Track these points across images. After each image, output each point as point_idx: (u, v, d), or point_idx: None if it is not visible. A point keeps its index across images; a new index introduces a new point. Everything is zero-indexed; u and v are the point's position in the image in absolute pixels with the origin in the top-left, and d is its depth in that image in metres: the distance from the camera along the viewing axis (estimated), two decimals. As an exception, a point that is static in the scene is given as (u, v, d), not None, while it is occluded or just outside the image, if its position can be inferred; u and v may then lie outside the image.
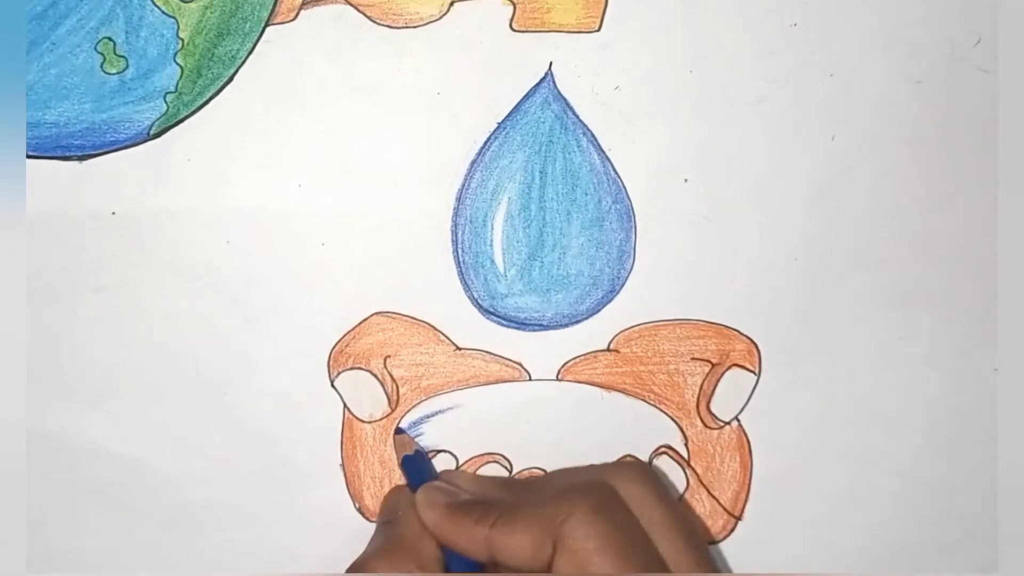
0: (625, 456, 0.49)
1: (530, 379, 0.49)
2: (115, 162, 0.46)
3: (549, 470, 0.49)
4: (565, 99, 0.47)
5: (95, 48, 0.45)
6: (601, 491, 0.42)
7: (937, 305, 0.50)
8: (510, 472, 0.50)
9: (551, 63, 0.47)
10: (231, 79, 0.46)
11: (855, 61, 0.47)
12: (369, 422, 0.49)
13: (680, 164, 0.48)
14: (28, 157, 0.46)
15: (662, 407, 0.50)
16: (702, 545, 0.43)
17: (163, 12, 0.45)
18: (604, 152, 0.47)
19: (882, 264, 0.49)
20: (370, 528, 0.49)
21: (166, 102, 0.46)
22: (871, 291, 0.49)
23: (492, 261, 0.48)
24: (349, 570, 0.44)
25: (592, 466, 0.47)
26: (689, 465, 0.50)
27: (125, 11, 0.45)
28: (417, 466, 0.47)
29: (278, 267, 0.48)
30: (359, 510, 0.50)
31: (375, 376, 0.49)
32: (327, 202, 0.47)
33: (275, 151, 0.47)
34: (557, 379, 0.49)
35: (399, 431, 0.49)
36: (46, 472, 0.48)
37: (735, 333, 0.49)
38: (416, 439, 0.49)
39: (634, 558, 0.40)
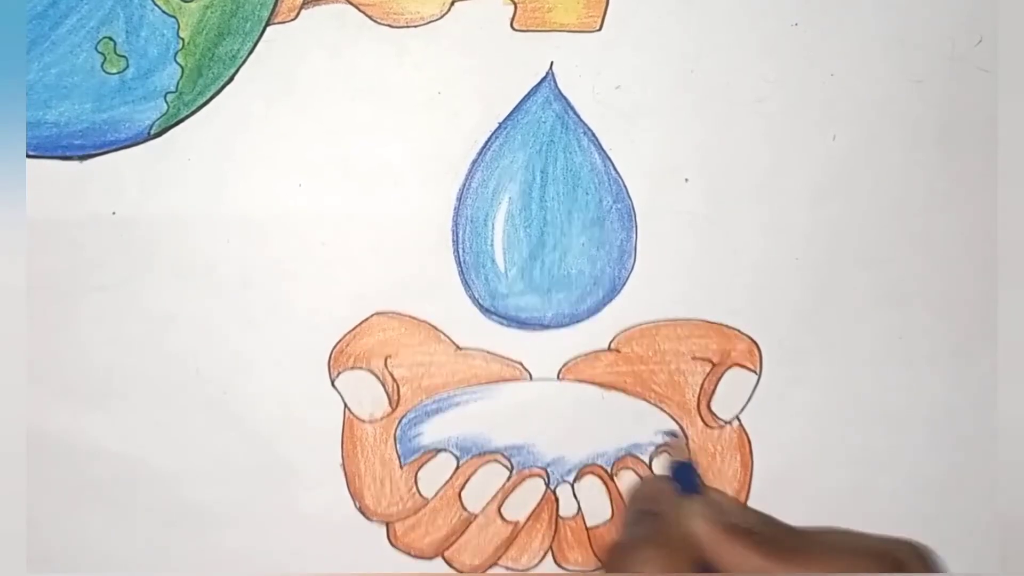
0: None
1: (531, 379, 0.49)
2: (115, 162, 0.46)
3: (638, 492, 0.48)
4: (566, 99, 0.47)
5: (95, 48, 0.45)
6: (893, 563, 0.42)
7: (937, 304, 0.50)
8: (510, 472, 0.50)
9: (552, 63, 0.47)
10: (232, 79, 0.46)
11: (856, 61, 0.47)
12: (370, 422, 0.49)
13: (681, 164, 0.48)
14: (28, 157, 0.45)
15: (663, 406, 0.50)
16: None
17: (163, 11, 0.45)
18: (605, 152, 0.47)
19: (882, 263, 0.49)
20: (371, 528, 0.49)
21: (166, 102, 0.46)
22: (871, 290, 0.49)
23: (493, 261, 0.48)
24: (610, 551, 0.43)
25: (864, 534, 0.47)
26: (690, 465, 0.50)
27: (125, 10, 0.45)
28: (688, 474, 0.46)
29: (278, 267, 0.47)
30: (359, 510, 0.49)
31: (376, 376, 0.49)
32: (327, 202, 0.47)
33: (275, 151, 0.47)
34: (558, 379, 0.49)
35: (673, 434, 0.49)
36: (46, 472, 0.48)
37: (736, 333, 0.49)
38: (417, 437, 0.49)
39: None
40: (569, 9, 0.46)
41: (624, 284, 0.48)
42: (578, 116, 0.47)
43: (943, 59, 0.48)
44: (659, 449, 0.50)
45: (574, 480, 0.50)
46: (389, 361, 0.49)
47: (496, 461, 0.50)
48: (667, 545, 0.42)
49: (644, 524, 0.43)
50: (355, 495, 0.49)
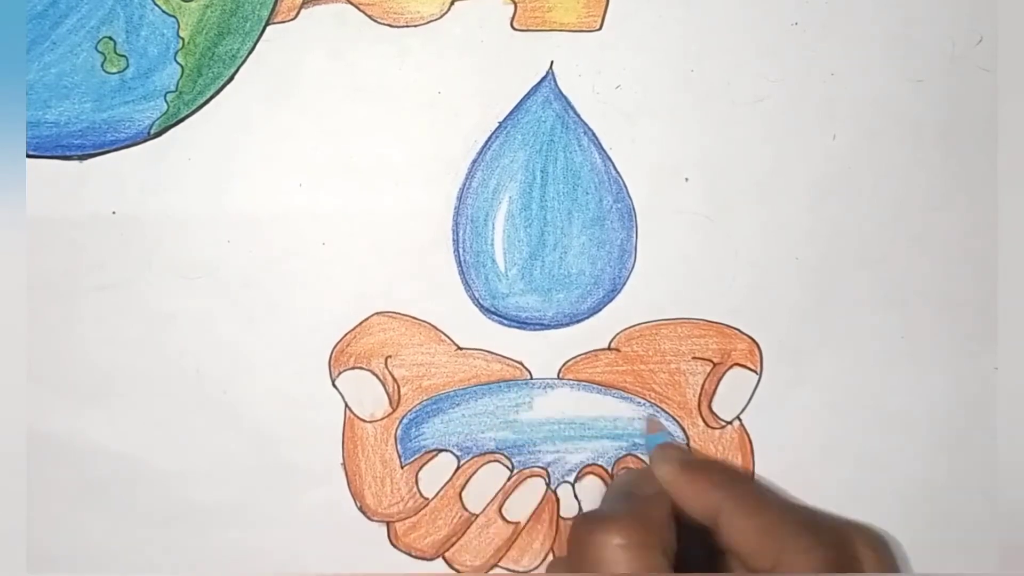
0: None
1: (531, 378, 0.49)
2: (115, 162, 0.46)
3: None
4: (566, 98, 0.47)
5: (95, 47, 0.45)
6: (846, 546, 0.42)
7: (938, 304, 0.50)
8: (511, 472, 0.50)
9: (552, 62, 0.47)
10: (232, 78, 0.46)
11: (856, 60, 0.47)
12: (370, 422, 0.49)
13: (681, 163, 0.48)
14: (28, 157, 0.46)
15: (663, 407, 0.50)
16: None
17: (163, 11, 0.45)
18: (605, 151, 0.47)
19: (883, 263, 0.49)
20: (371, 528, 0.49)
21: (166, 101, 0.46)
22: (872, 290, 0.49)
23: (493, 260, 0.48)
24: (578, 521, 0.45)
25: (832, 515, 0.48)
26: (690, 464, 0.50)
27: (125, 10, 0.45)
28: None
29: (278, 267, 0.48)
30: (360, 509, 0.49)
31: (376, 376, 0.49)
32: (327, 202, 0.47)
33: (275, 151, 0.47)
34: (558, 378, 0.49)
35: (652, 417, 0.49)
36: (46, 472, 0.48)
37: (736, 332, 0.49)
38: (418, 437, 0.49)
39: None
40: (569, 9, 0.46)
41: (624, 284, 0.48)
42: (578, 116, 0.47)
43: (943, 59, 0.48)
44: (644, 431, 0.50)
45: (575, 480, 0.50)
46: (389, 361, 0.49)
47: (497, 461, 0.50)
48: (647, 527, 0.42)
49: (619, 504, 0.44)
50: (356, 495, 0.49)
